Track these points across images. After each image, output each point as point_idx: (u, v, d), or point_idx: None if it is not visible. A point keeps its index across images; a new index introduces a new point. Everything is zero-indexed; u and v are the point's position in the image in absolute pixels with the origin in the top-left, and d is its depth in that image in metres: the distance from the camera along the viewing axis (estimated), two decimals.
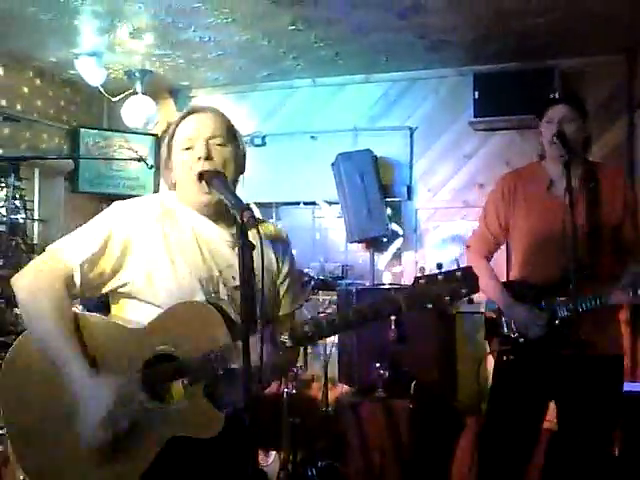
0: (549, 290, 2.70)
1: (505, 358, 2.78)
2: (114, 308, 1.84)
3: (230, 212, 1.70)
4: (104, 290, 1.79)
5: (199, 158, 1.76)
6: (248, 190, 5.04)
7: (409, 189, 4.66)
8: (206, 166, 1.76)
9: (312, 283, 3.98)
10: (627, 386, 3.66)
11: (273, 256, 1.91)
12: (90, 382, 1.63)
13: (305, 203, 4.81)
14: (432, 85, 4.64)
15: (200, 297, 1.75)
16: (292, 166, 4.87)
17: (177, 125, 1.84)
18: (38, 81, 4.60)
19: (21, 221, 4.42)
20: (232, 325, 1.72)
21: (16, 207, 4.45)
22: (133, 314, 1.78)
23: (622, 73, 4.20)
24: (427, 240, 4.64)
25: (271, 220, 4.82)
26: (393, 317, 3.81)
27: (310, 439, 4.23)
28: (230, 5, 3.43)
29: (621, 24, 3.69)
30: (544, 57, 4.17)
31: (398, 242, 4.64)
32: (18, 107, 4.46)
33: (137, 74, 4.54)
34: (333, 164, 4.50)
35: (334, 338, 4.29)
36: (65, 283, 1.72)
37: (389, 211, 4.55)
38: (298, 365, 4.21)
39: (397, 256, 4.72)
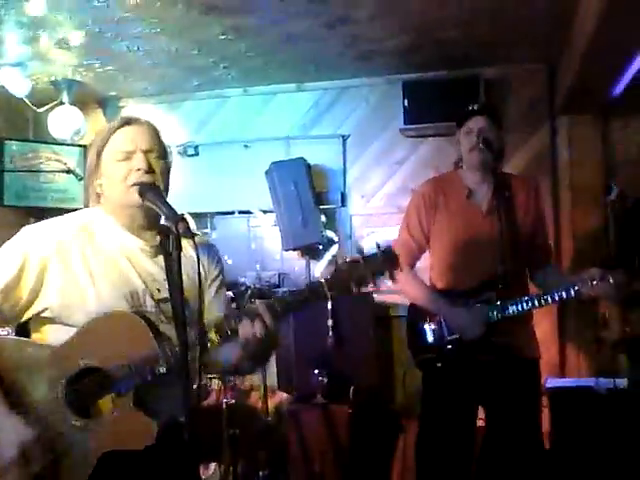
0: (470, 296, 2.79)
1: (432, 367, 2.84)
2: (35, 335, 1.78)
3: (154, 223, 1.75)
4: (24, 318, 1.74)
5: (138, 170, 1.74)
6: (182, 200, 5.01)
7: (343, 196, 4.71)
8: (145, 178, 1.74)
9: (248, 292, 3.97)
10: (555, 382, 3.82)
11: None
12: (6, 421, 1.59)
13: (240, 212, 4.79)
14: (362, 93, 4.70)
15: None
16: (226, 175, 4.84)
17: (111, 135, 1.79)
18: None
19: None
20: (158, 333, 1.70)
21: None
22: (55, 338, 1.72)
23: (543, 81, 4.37)
24: (362, 246, 4.68)
25: (206, 230, 4.79)
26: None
27: (251, 449, 4.22)
28: (159, 15, 3.39)
29: (541, 34, 3.84)
30: (469, 66, 4.31)
31: (333, 249, 4.68)
32: None
33: (63, 84, 4.43)
34: (267, 173, 4.51)
35: None
36: None
37: (324, 218, 4.59)
38: (236, 376, 4.20)
39: (333, 263, 4.75)
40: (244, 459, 4.04)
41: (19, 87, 4.10)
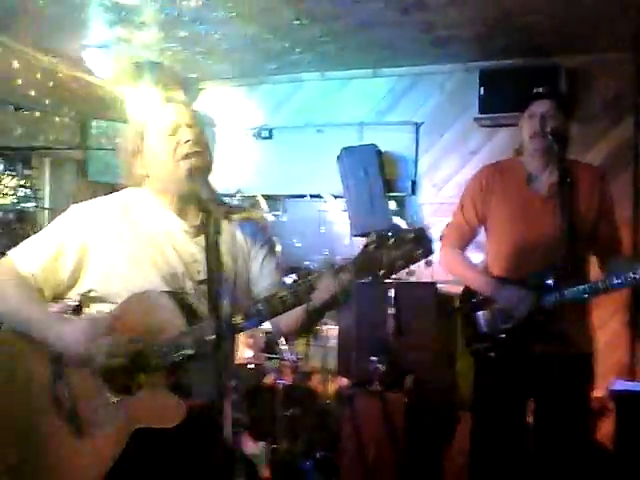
0: (527, 282, 2.70)
1: (485, 356, 2.78)
2: (85, 312, 1.84)
3: (200, 202, 1.76)
4: (69, 295, 1.80)
5: (187, 141, 1.77)
6: (255, 182, 5.12)
7: (414, 184, 4.67)
8: (194, 148, 1.78)
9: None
10: (624, 385, 3.69)
11: (242, 239, 1.91)
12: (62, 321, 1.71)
13: (311, 196, 4.82)
14: (438, 80, 4.63)
15: None
16: (299, 159, 4.90)
17: (151, 115, 1.83)
18: (50, 72, 4.66)
19: (31, 210, 4.52)
20: (193, 315, 1.72)
21: (26, 196, 4.55)
22: None
23: (629, 71, 4.16)
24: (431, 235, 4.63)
25: (277, 212, 4.84)
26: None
27: (309, 431, 4.28)
28: None
29: (628, 22, 3.65)
30: (550, 54, 4.16)
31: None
32: (29, 98, 4.52)
33: (145, 66, 4.59)
34: (338, 158, 4.53)
35: (335, 330, 4.33)
36: (25, 282, 1.74)
37: (393, 205, 4.56)
38: (299, 357, 4.27)
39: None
40: (302, 440, 4.12)
41: (102, 68, 4.27)
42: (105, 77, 4.42)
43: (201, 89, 5.19)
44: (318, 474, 3.93)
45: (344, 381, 4.28)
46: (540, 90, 2.82)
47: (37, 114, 4.56)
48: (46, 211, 4.71)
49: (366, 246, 1.58)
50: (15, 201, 4.45)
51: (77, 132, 4.92)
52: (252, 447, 3.15)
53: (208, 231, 1.59)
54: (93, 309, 1.82)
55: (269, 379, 3.97)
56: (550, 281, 2.66)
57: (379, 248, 1.56)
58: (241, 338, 3.51)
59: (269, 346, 4.03)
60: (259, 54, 4.45)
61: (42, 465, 1.73)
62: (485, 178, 2.88)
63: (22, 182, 4.47)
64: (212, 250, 1.76)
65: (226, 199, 4.53)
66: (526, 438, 2.83)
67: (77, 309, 1.86)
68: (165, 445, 1.74)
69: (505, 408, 2.78)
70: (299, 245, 4.63)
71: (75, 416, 1.71)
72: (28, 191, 4.59)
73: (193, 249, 1.83)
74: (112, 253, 1.76)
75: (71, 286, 1.79)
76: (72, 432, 1.71)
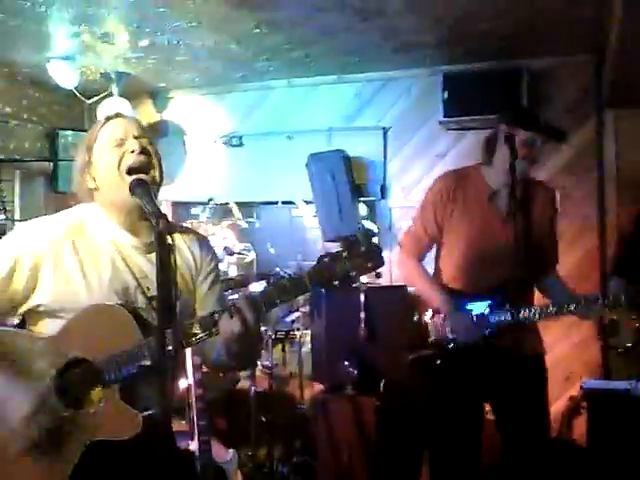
0: (480, 299, 2.74)
1: (435, 363, 2.79)
2: (31, 328, 1.82)
3: (147, 219, 1.74)
4: (18, 313, 1.79)
5: (132, 151, 1.79)
6: (227, 189, 5.10)
7: (383, 188, 4.70)
8: (141, 158, 1.79)
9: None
10: (592, 384, 3.75)
11: (191, 258, 1.93)
12: (8, 387, 1.66)
13: (283, 202, 4.84)
14: (404, 85, 4.67)
15: None
16: (270, 166, 4.92)
17: (99, 129, 1.84)
18: (17, 84, 4.65)
19: (1, 222, 4.48)
20: (147, 327, 1.73)
21: None
22: (50, 331, 1.76)
23: (590, 73, 4.20)
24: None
25: (251, 219, 4.85)
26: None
27: (286, 436, 4.29)
28: (193, 9, 3.45)
29: (588, 24, 3.68)
30: (512, 57, 4.19)
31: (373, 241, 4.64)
32: None
33: (113, 76, 4.58)
34: (306, 165, 4.54)
35: (308, 337, 4.35)
36: None
37: (364, 210, 4.58)
38: (274, 362, 4.27)
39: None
40: (279, 445, 4.13)
41: (67, 79, 4.25)
42: (70, 88, 4.39)
43: (170, 98, 5.18)
44: (295, 478, 3.95)
45: (320, 386, 4.30)
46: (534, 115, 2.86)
47: (5, 126, 4.55)
48: (16, 223, 4.69)
49: (321, 259, 1.69)
50: None
51: (46, 143, 4.91)
52: (223, 454, 3.15)
53: (158, 247, 1.58)
54: (41, 326, 1.79)
55: (243, 386, 3.98)
56: (503, 299, 2.69)
57: (333, 261, 1.68)
58: None
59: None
60: (225, 63, 4.46)
61: None
62: (446, 187, 2.86)
63: None
64: (163, 267, 1.73)
65: (196, 208, 4.65)
66: (480, 441, 2.82)
67: (20, 325, 1.85)
68: (119, 458, 1.73)
69: (461, 415, 2.78)
70: (272, 251, 4.64)
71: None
72: None
73: (144, 265, 1.83)
74: (63, 269, 1.75)
75: (23, 302, 1.77)
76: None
